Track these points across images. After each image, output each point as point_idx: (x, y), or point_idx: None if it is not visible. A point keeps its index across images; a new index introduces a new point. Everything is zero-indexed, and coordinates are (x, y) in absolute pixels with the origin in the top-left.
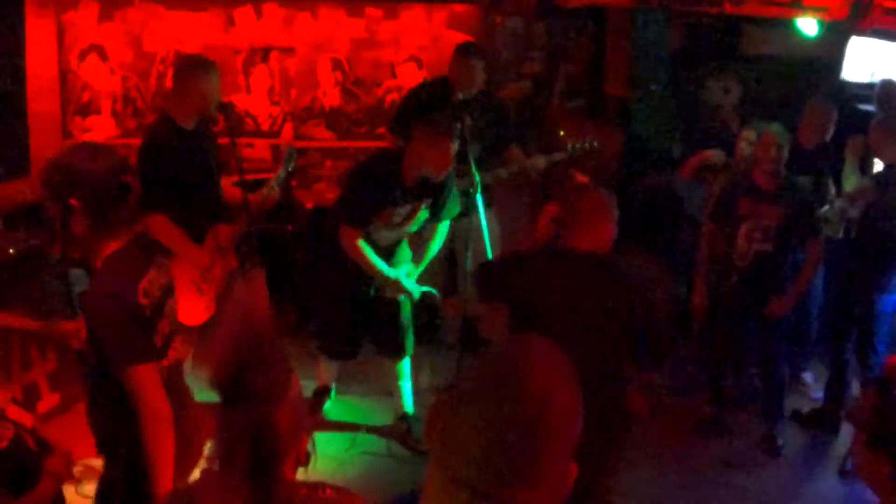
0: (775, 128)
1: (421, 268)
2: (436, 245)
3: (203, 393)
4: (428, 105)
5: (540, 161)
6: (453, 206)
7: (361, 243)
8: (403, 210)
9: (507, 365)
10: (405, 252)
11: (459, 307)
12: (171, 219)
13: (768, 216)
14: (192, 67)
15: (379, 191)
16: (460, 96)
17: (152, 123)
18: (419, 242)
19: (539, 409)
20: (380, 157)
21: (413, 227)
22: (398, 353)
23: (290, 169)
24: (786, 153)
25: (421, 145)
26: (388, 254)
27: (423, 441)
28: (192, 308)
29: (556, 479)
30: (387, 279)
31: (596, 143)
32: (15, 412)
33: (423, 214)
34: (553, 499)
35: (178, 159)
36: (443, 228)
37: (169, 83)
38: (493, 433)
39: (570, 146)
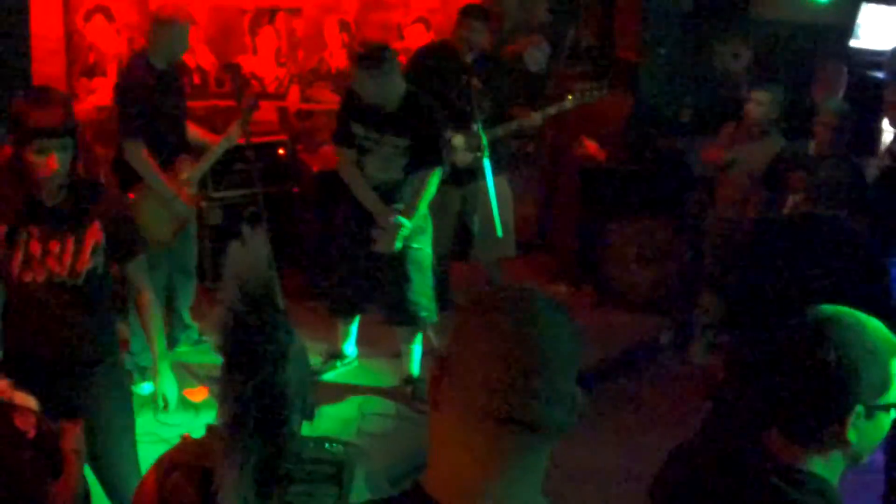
0: (834, 104)
1: (414, 221)
2: (426, 196)
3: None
4: (434, 68)
5: (549, 111)
6: (436, 156)
7: (353, 170)
8: (362, 131)
9: (515, 295)
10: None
11: None
12: (145, 149)
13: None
14: (162, 20)
15: (349, 104)
16: (468, 59)
17: (129, 59)
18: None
19: (554, 329)
20: None
21: (393, 168)
22: (408, 323)
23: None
24: (846, 129)
25: (356, 79)
26: (384, 198)
27: (427, 399)
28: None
29: (570, 400)
30: (384, 220)
31: (603, 91)
32: (20, 397)
33: (398, 159)
34: (568, 417)
35: (150, 91)
36: (433, 179)
37: None
38: (510, 359)
39: (578, 93)
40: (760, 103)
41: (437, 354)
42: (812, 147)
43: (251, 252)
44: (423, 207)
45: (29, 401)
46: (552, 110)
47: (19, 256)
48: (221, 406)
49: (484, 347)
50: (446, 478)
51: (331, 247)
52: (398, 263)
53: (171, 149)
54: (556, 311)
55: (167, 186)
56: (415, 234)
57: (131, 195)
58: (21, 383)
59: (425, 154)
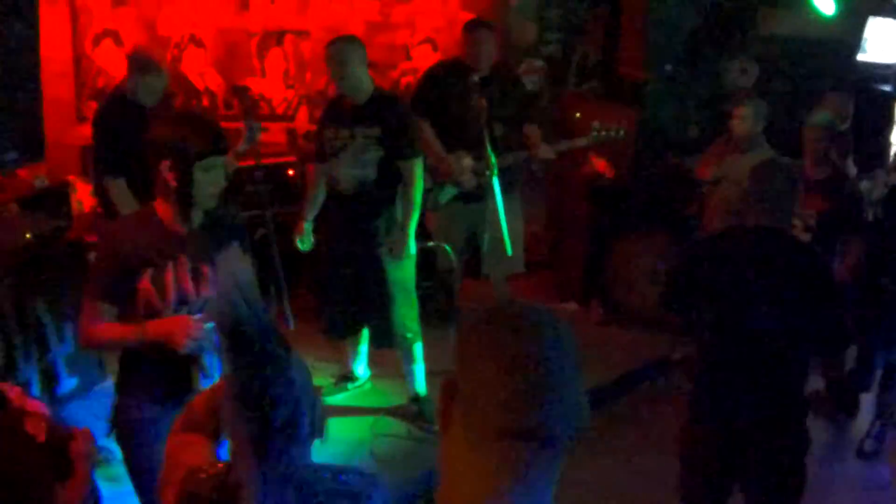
0: (821, 118)
1: (413, 220)
2: (417, 190)
3: None
4: (446, 85)
5: (561, 145)
6: (411, 145)
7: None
8: (333, 133)
9: (517, 313)
10: (378, 213)
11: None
12: (123, 186)
13: (812, 206)
14: (138, 66)
15: (322, 114)
16: (475, 78)
17: (108, 95)
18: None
19: (557, 344)
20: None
21: (368, 164)
22: (394, 346)
23: (252, 142)
24: (832, 142)
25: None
26: (358, 205)
27: (436, 421)
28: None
29: (578, 411)
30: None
31: (623, 133)
32: (32, 405)
33: (372, 153)
34: (576, 429)
35: (129, 129)
36: (417, 171)
37: (182, 66)
38: (523, 374)
39: (594, 132)
40: (743, 118)
41: (444, 375)
42: (806, 166)
43: (239, 262)
44: (418, 199)
45: (41, 407)
46: (565, 146)
47: (171, 290)
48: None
49: (490, 366)
50: (459, 496)
51: (320, 270)
52: (381, 285)
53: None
54: (558, 326)
55: None
56: (399, 258)
57: None
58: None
59: (400, 144)
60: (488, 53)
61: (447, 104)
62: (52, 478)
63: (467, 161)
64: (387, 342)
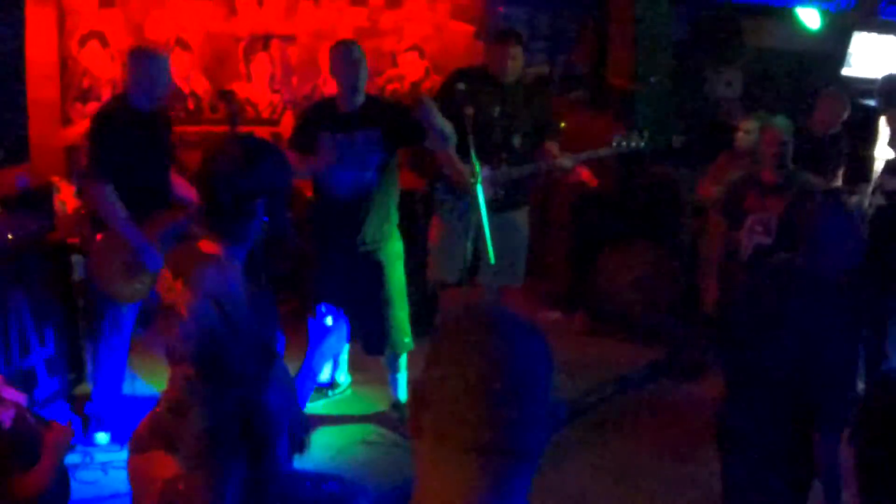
0: (780, 121)
1: (391, 247)
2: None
3: None
4: (468, 93)
5: (567, 161)
6: (419, 132)
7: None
8: (330, 139)
9: (477, 327)
10: (375, 217)
11: None
12: (112, 193)
13: (772, 209)
14: (137, 55)
15: (310, 117)
16: (461, 86)
17: (109, 99)
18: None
19: (518, 357)
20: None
21: (368, 165)
22: (379, 351)
23: None
24: (790, 146)
25: (330, 65)
26: (355, 209)
27: (408, 430)
28: (120, 288)
29: (546, 421)
30: None
31: (643, 143)
32: (10, 392)
33: (372, 155)
34: (546, 439)
35: (127, 135)
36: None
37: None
38: (481, 389)
39: (615, 142)
40: (749, 132)
41: (413, 383)
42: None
43: (230, 272)
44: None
45: (16, 395)
46: (584, 156)
47: None
48: (193, 419)
49: (458, 379)
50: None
51: (312, 275)
52: (379, 289)
53: (148, 198)
54: (527, 334)
55: (138, 233)
56: (392, 259)
57: (99, 236)
58: None
59: (406, 133)
60: (515, 67)
61: (473, 109)
62: (13, 465)
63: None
64: (380, 348)
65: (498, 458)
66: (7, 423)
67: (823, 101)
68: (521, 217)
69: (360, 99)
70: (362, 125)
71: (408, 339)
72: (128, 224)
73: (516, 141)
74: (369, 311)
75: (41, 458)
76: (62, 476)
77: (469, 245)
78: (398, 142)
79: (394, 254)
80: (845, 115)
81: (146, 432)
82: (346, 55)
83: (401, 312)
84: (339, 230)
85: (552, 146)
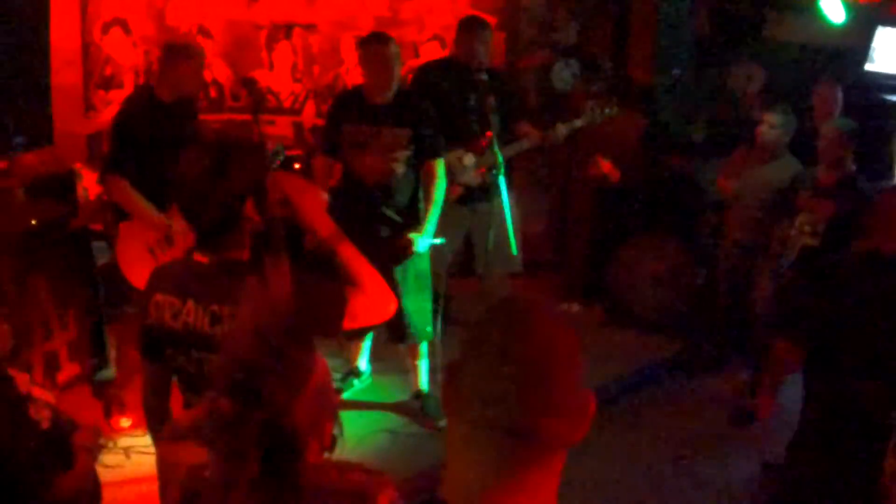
0: (840, 121)
1: (433, 216)
2: (439, 188)
3: None
4: (441, 85)
5: (560, 129)
6: (437, 147)
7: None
8: (366, 130)
9: (511, 312)
10: (400, 205)
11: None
12: (131, 184)
13: (822, 210)
14: (173, 53)
15: (337, 108)
16: (484, 76)
17: (134, 89)
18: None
19: (547, 342)
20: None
21: (399, 166)
22: (411, 340)
23: (273, 166)
24: (851, 149)
25: (360, 59)
26: (381, 197)
27: (443, 407)
28: (144, 274)
29: (574, 409)
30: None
31: (616, 109)
32: (39, 392)
33: (400, 151)
34: (574, 428)
35: (148, 125)
36: (440, 171)
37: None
38: (509, 371)
39: (590, 111)
40: (773, 126)
41: (445, 365)
42: (820, 170)
43: (271, 290)
44: (440, 197)
45: (47, 395)
46: (564, 130)
47: None
48: (215, 436)
49: (476, 360)
50: (458, 485)
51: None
52: (402, 278)
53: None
54: (553, 324)
55: (158, 217)
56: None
57: (121, 225)
58: None
59: (428, 144)
60: (485, 51)
61: (443, 101)
62: (52, 465)
63: (469, 159)
64: (403, 337)
65: (514, 441)
66: (45, 424)
67: (818, 94)
68: (512, 203)
69: (391, 93)
70: (391, 121)
71: (429, 328)
72: (145, 210)
73: (495, 125)
74: (398, 299)
75: (77, 460)
76: (94, 476)
77: (491, 235)
78: (424, 143)
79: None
80: (838, 108)
81: (184, 424)
82: (380, 52)
83: (424, 302)
84: (368, 217)
85: (524, 125)
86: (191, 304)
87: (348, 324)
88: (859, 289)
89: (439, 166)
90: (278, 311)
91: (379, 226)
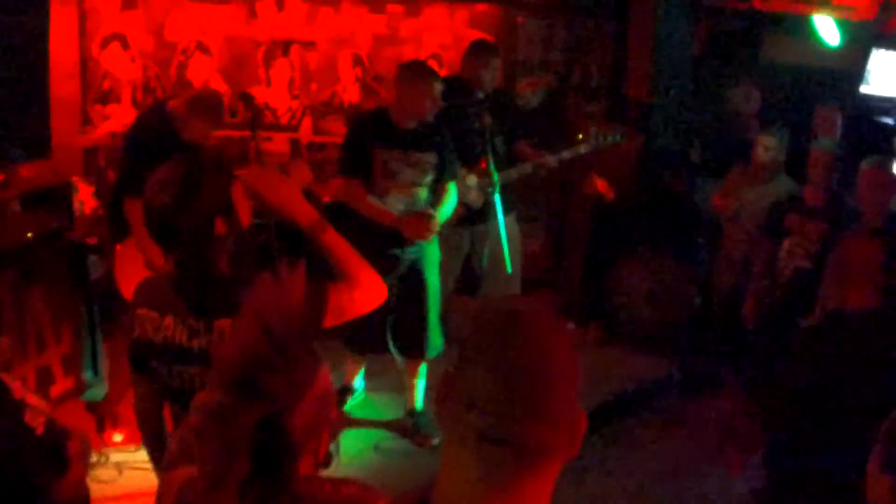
0: (826, 143)
1: (442, 214)
2: (449, 206)
3: None
4: (447, 103)
5: (551, 159)
6: (454, 172)
7: (360, 192)
8: (398, 156)
9: (507, 318)
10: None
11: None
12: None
13: (813, 232)
14: (201, 109)
15: (363, 131)
16: (480, 95)
17: (145, 108)
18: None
19: (542, 351)
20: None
21: (423, 190)
22: (419, 353)
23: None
24: (836, 169)
25: (403, 87)
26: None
27: (436, 413)
28: None
29: (567, 422)
30: (400, 220)
31: (620, 137)
32: (33, 400)
33: (427, 176)
34: (566, 440)
35: (161, 144)
36: (452, 191)
37: (188, 72)
38: (501, 378)
39: (593, 137)
40: (768, 148)
41: (443, 372)
42: (807, 191)
43: (282, 288)
44: (447, 214)
45: (41, 402)
46: (567, 154)
47: None
48: (205, 427)
49: (471, 368)
50: (448, 494)
51: None
52: (417, 294)
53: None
54: (549, 331)
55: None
56: (430, 265)
57: (118, 246)
58: None
59: (448, 169)
60: (492, 79)
61: (450, 120)
62: (47, 471)
63: (472, 179)
64: (418, 351)
65: (506, 451)
66: (40, 430)
67: (820, 115)
68: (511, 222)
69: (417, 121)
70: (420, 146)
71: (439, 342)
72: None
73: (498, 147)
74: (408, 314)
75: (70, 467)
76: (85, 486)
77: (486, 253)
78: (445, 168)
79: (433, 259)
80: (838, 130)
81: (176, 451)
82: (430, 88)
83: (436, 316)
84: (384, 238)
85: (524, 146)
86: (169, 318)
87: (332, 320)
88: (827, 363)
89: (453, 189)
90: (289, 311)
91: (401, 249)
